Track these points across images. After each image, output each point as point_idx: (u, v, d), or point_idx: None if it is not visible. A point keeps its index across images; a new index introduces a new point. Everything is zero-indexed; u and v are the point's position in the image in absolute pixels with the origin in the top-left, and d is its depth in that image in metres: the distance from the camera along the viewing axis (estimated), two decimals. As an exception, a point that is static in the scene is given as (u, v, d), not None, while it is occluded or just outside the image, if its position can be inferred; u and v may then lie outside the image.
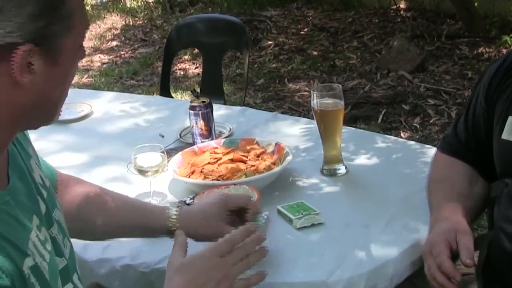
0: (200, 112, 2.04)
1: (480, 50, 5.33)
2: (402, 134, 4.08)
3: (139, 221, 1.49)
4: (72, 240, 1.24)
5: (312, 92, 1.83)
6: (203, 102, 2.06)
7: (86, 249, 1.56)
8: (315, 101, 1.82)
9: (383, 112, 4.42)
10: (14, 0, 0.94)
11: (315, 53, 5.74)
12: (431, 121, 4.28)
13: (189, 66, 5.79)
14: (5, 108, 0.99)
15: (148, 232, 1.51)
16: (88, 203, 1.47)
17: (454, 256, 1.39)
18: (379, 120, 4.33)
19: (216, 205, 1.51)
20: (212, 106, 2.08)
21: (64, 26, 0.99)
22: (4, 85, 0.98)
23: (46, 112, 1.07)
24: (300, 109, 4.57)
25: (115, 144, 2.19)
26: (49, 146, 2.15)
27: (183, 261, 1.24)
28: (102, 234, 1.51)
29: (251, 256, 1.26)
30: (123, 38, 6.77)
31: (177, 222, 1.46)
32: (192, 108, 2.05)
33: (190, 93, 2.22)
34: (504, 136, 1.50)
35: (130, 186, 1.87)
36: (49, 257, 1.08)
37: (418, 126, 4.22)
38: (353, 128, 2.30)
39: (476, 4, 5.61)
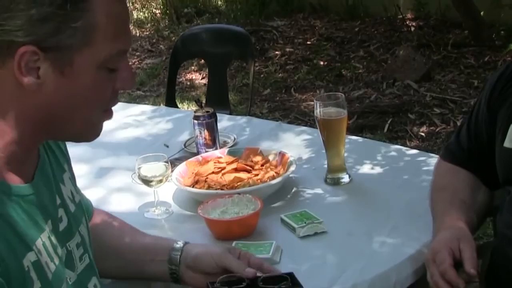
0: (204, 122, 2.06)
1: (486, 59, 5.32)
2: (408, 143, 4.08)
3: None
4: None
5: (315, 101, 1.84)
6: (207, 112, 2.07)
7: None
8: (318, 110, 1.83)
9: (389, 121, 4.42)
10: (23, 1, 0.97)
11: (321, 63, 5.75)
12: (437, 130, 4.28)
13: (195, 76, 5.81)
14: (17, 108, 1.03)
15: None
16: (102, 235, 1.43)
17: (457, 264, 1.39)
18: (385, 129, 4.33)
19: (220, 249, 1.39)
20: (216, 116, 2.09)
21: (76, 39, 1.00)
22: (11, 82, 1.01)
23: (64, 125, 1.08)
24: (306, 119, 4.57)
25: (120, 154, 2.20)
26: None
27: None
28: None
29: None
30: (130, 49, 6.80)
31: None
32: (196, 118, 2.07)
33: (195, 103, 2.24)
34: (506, 144, 1.50)
35: (135, 196, 1.88)
36: (58, 262, 1.10)
37: (424, 135, 4.22)
38: (356, 137, 2.31)
39: (482, 13, 5.61)
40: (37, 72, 1.00)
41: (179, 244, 1.40)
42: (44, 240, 1.07)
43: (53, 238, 1.10)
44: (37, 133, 1.08)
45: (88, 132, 1.13)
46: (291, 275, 1.27)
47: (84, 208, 1.31)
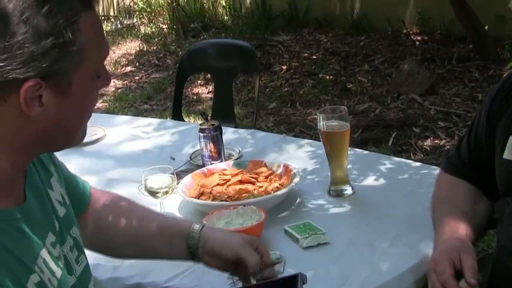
0: (209, 134, 2.09)
1: (490, 72, 5.35)
2: (412, 157, 4.09)
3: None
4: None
5: (318, 114, 1.87)
6: (212, 125, 2.11)
7: (97, 267, 1.59)
8: (322, 123, 1.85)
9: (393, 135, 4.45)
10: (20, 40, 0.97)
11: (326, 77, 5.79)
12: (441, 144, 4.30)
13: (202, 90, 5.85)
14: (18, 137, 1.04)
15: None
16: (115, 217, 1.46)
17: (458, 275, 1.40)
18: (390, 143, 4.35)
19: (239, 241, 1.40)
20: (221, 128, 2.12)
21: (73, 61, 1.02)
22: (14, 116, 1.02)
23: (64, 138, 1.12)
24: (312, 133, 4.60)
25: (127, 166, 2.23)
26: (62, 169, 2.20)
27: None
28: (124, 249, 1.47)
29: None
30: (137, 63, 6.87)
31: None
32: (201, 130, 2.10)
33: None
34: (506, 155, 1.52)
35: (141, 207, 1.91)
36: (61, 274, 1.11)
37: (429, 149, 4.24)
38: (360, 150, 2.34)
39: (486, 27, 5.64)
40: (39, 100, 1.02)
41: (196, 229, 1.40)
42: (44, 257, 1.08)
43: (53, 251, 1.11)
44: (33, 152, 1.10)
45: (78, 139, 1.15)
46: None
47: (81, 193, 1.35)
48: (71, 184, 1.37)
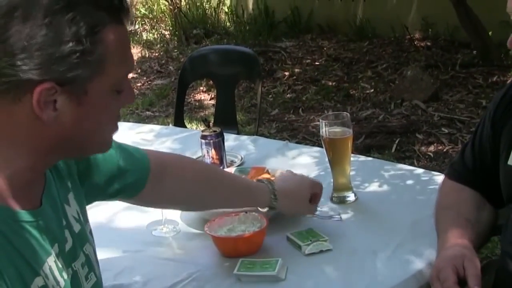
0: (211, 141, 2.08)
1: (494, 78, 5.34)
2: (416, 163, 4.09)
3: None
4: None
5: (321, 120, 1.86)
6: (214, 131, 2.10)
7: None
8: (324, 130, 1.84)
9: (397, 141, 4.44)
10: (40, 42, 0.98)
11: (329, 83, 5.79)
12: (445, 150, 4.29)
13: (204, 96, 5.86)
14: (34, 140, 1.05)
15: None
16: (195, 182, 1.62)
17: (461, 282, 1.39)
18: (393, 150, 4.34)
19: (306, 190, 1.71)
20: (223, 135, 2.11)
21: (91, 71, 1.03)
22: (28, 117, 1.03)
23: (81, 146, 1.12)
24: (315, 139, 4.59)
25: (129, 173, 2.22)
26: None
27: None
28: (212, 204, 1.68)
29: None
30: (139, 70, 6.87)
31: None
32: (203, 137, 2.09)
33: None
34: (510, 162, 1.52)
35: (143, 214, 1.89)
36: (64, 285, 1.11)
37: (432, 155, 4.23)
38: (363, 157, 2.33)
39: (490, 33, 5.63)
40: (54, 105, 1.03)
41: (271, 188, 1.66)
42: (50, 264, 1.08)
43: (59, 262, 1.11)
44: (49, 157, 1.11)
45: (101, 149, 1.20)
46: None
47: (140, 169, 1.46)
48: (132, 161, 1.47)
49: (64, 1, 0.99)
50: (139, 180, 1.49)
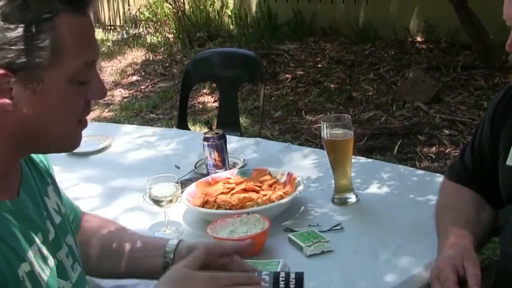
0: (213, 143, 2.09)
1: (496, 80, 5.36)
2: (418, 165, 4.10)
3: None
4: None
5: (322, 122, 1.87)
6: (216, 133, 2.11)
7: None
8: (325, 132, 1.86)
9: (399, 143, 4.45)
10: None
11: (332, 85, 5.80)
12: (446, 151, 4.30)
13: (207, 99, 5.87)
14: None
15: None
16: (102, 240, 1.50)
17: (461, 282, 1.41)
18: (395, 151, 4.36)
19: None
20: (225, 137, 2.13)
21: (44, 59, 1.03)
22: None
23: (49, 139, 1.11)
24: (317, 141, 4.61)
25: (132, 175, 2.24)
26: (69, 178, 2.21)
27: (185, 273, 1.22)
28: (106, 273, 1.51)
29: None
30: (143, 72, 6.90)
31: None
32: (206, 139, 2.11)
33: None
34: (509, 162, 1.53)
35: (146, 216, 1.92)
36: (50, 273, 1.13)
37: (434, 157, 4.24)
38: (364, 158, 2.34)
39: (491, 35, 5.65)
40: (10, 93, 1.03)
41: (174, 240, 1.45)
42: (34, 252, 1.10)
43: (43, 250, 1.13)
44: (16, 148, 1.11)
45: (67, 143, 1.17)
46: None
47: (73, 217, 1.38)
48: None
49: None
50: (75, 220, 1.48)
